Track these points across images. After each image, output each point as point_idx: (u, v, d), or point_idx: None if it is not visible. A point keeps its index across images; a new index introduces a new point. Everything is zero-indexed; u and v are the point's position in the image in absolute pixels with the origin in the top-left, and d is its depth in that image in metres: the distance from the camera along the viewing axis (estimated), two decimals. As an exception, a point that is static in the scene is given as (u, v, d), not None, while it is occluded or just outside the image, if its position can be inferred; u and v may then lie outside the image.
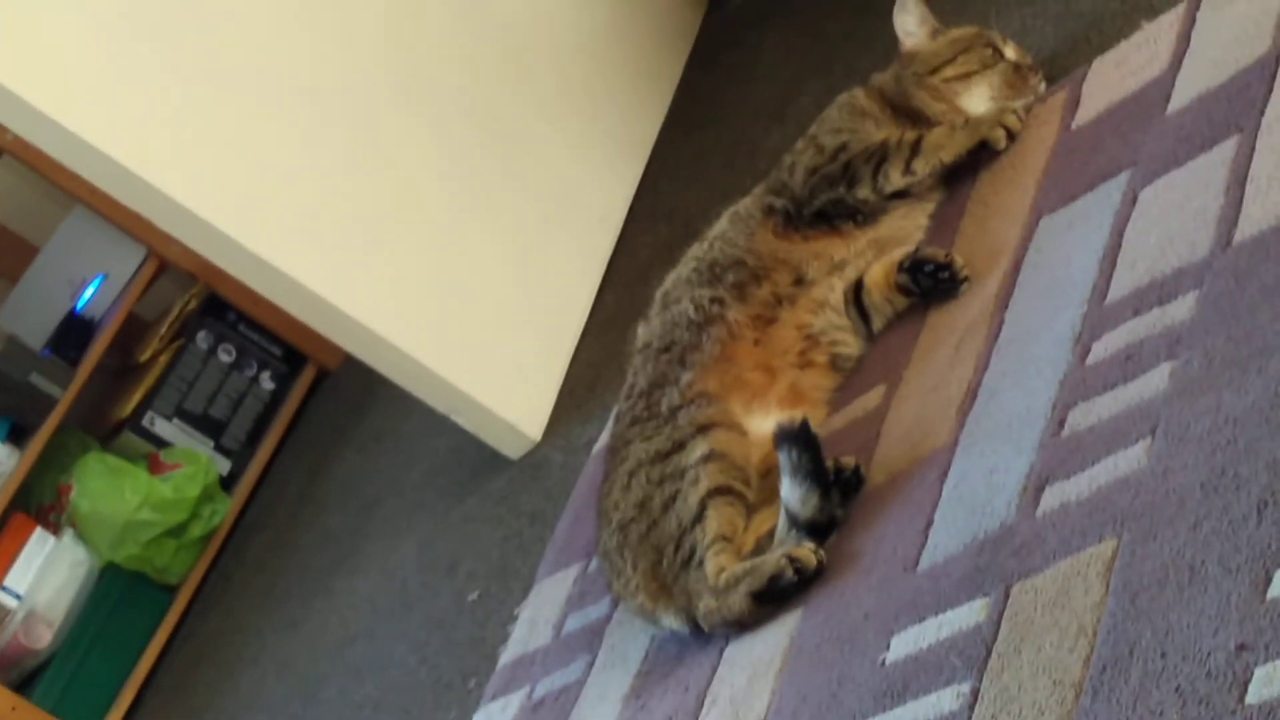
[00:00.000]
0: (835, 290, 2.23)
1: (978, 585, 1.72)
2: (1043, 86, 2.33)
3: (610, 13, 3.48)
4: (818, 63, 3.04)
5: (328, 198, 2.85)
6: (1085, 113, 2.20)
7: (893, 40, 2.42)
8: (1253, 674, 1.36)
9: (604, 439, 2.57)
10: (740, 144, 3.09)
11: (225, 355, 3.92)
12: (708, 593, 2.00)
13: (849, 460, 2.02)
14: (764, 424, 2.14)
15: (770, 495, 2.04)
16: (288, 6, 2.91)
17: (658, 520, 2.08)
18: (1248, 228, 1.76)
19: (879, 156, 2.27)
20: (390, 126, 2.98)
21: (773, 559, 1.95)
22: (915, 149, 2.27)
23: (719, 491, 2.05)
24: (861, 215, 2.27)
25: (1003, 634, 1.64)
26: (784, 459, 1.96)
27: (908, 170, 2.26)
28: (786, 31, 3.28)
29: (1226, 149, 1.88)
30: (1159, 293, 1.81)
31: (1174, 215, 1.89)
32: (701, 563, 2.01)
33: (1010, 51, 2.34)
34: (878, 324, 2.24)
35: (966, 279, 2.14)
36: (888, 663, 1.76)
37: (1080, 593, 1.59)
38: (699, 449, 2.09)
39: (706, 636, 2.05)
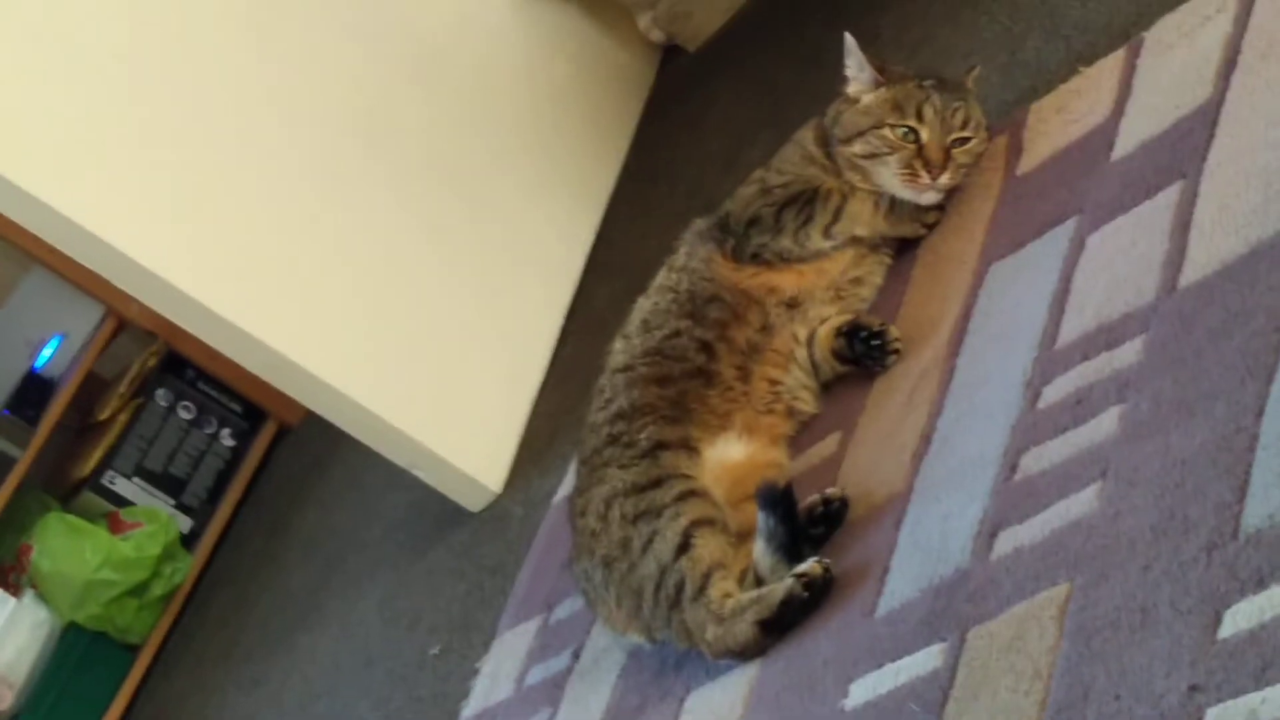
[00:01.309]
0: (800, 339, 2.25)
1: (934, 630, 1.73)
2: (946, 180, 2.23)
3: (567, 66, 3.51)
4: (768, 114, 3.07)
5: (284, 254, 2.85)
6: (1030, 159, 2.23)
7: (840, 92, 2.44)
8: (1205, 715, 1.38)
9: (565, 490, 2.58)
10: (695, 195, 3.11)
11: (185, 413, 3.91)
12: (711, 621, 1.98)
13: (835, 492, 2.03)
14: (728, 450, 2.17)
15: (741, 531, 2.06)
16: (241, 63, 2.92)
17: (636, 563, 2.08)
18: (1192, 272, 1.79)
19: (807, 213, 2.27)
20: (347, 181, 2.99)
21: (781, 586, 1.94)
22: (837, 215, 2.27)
23: (701, 523, 2.05)
24: (789, 260, 2.28)
25: (959, 679, 1.65)
26: (762, 521, 1.99)
27: (827, 234, 2.27)
28: (738, 84, 3.31)
29: (1170, 194, 1.91)
30: (1107, 337, 1.84)
31: (1121, 260, 1.91)
32: (701, 591, 1.99)
33: (927, 133, 2.22)
34: (822, 377, 2.26)
35: (897, 351, 2.17)
36: (847, 709, 1.76)
37: (1035, 636, 1.60)
38: (676, 488, 2.09)
39: (666, 664, 2.08)
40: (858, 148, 2.28)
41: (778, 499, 1.98)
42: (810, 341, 2.25)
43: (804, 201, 2.28)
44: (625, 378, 2.26)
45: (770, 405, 2.23)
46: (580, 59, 3.52)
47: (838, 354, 2.22)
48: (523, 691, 2.41)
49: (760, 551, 1.99)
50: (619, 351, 2.31)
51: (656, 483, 2.11)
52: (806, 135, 2.40)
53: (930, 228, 2.28)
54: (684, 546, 2.02)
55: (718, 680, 2.00)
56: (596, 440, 2.23)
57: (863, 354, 2.19)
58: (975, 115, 2.26)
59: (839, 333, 2.21)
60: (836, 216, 2.27)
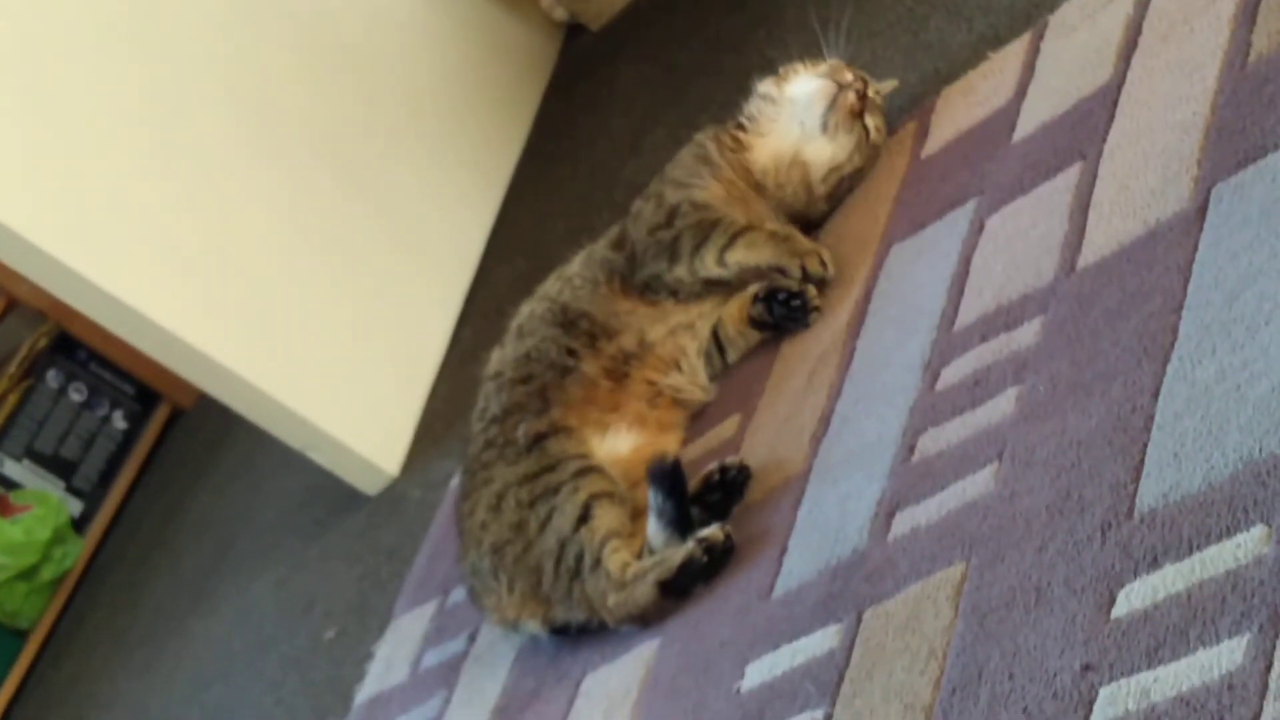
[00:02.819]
0: (688, 352, 2.24)
1: (831, 611, 1.72)
2: (851, 99, 2.24)
3: (468, 44, 3.48)
4: (672, 95, 3.05)
5: (177, 233, 2.80)
6: (934, 142, 2.23)
7: (743, 72, 2.43)
8: (1098, 694, 1.37)
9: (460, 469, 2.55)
10: (597, 176, 3.09)
11: (76, 394, 3.84)
12: (612, 589, 1.99)
13: (733, 460, 2.02)
14: (617, 443, 2.17)
15: (638, 510, 2.06)
16: (135, 41, 2.87)
17: (534, 541, 2.07)
18: (1091, 253, 1.79)
19: (703, 237, 2.23)
20: (241, 159, 2.94)
21: (682, 549, 1.95)
22: (733, 239, 2.22)
23: (600, 496, 2.06)
24: (680, 294, 2.25)
25: (855, 659, 1.64)
26: (652, 497, 1.99)
27: (721, 261, 2.22)
28: (641, 64, 3.29)
29: (1070, 176, 1.91)
30: (1006, 318, 1.83)
31: (1020, 242, 1.91)
32: (599, 562, 2.00)
33: (858, 85, 2.28)
34: (732, 357, 2.25)
35: (818, 308, 2.16)
36: (743, 691, 1.75)
37: (930, 616, 1.59)
38: (572, 466, 2.10)
39: (563, 647, 2.07)
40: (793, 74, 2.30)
41: (665, 474, 1.98)
42: (714, 334, 2.25)
43: (703, 229, 2.25)
44: (495, 384, 2.27)
45: (653, 400, 2.23)
46: (481, 37, 3.49)
47: (757, 321, 2.20)
48: (418, 675, 2.38)
49: (652, 528, 2.00)
50: (494, 360, 2.32)
51: (550, 468, 2.11)
52: (707, 138, 2.35)
53: (808, 277, 2.18)
54: (583, 519, 2.03)
55: (614, 663, 1.99)
56: (475, 447, 2.25)
57: (784, 317, 2.17)
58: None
59: (756, 299, 2.19)
60: (732, 242, 2.22)
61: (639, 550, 2.02)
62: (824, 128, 2.26)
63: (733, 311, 2.24)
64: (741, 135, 2.31)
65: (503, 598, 2.12)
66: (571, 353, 2.23)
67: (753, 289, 2.22)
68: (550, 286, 2.35)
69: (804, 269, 2.18)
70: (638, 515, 2.05)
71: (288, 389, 2.84)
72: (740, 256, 2.22)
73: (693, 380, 2.24)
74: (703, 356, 2.25)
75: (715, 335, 2.25)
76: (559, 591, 2.05)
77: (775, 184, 2.27)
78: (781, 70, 2.34)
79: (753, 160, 2.29)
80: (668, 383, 2.23)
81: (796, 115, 2.28)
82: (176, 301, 2.76)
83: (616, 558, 2.00)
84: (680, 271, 2.24)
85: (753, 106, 2.33)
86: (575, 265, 2.36)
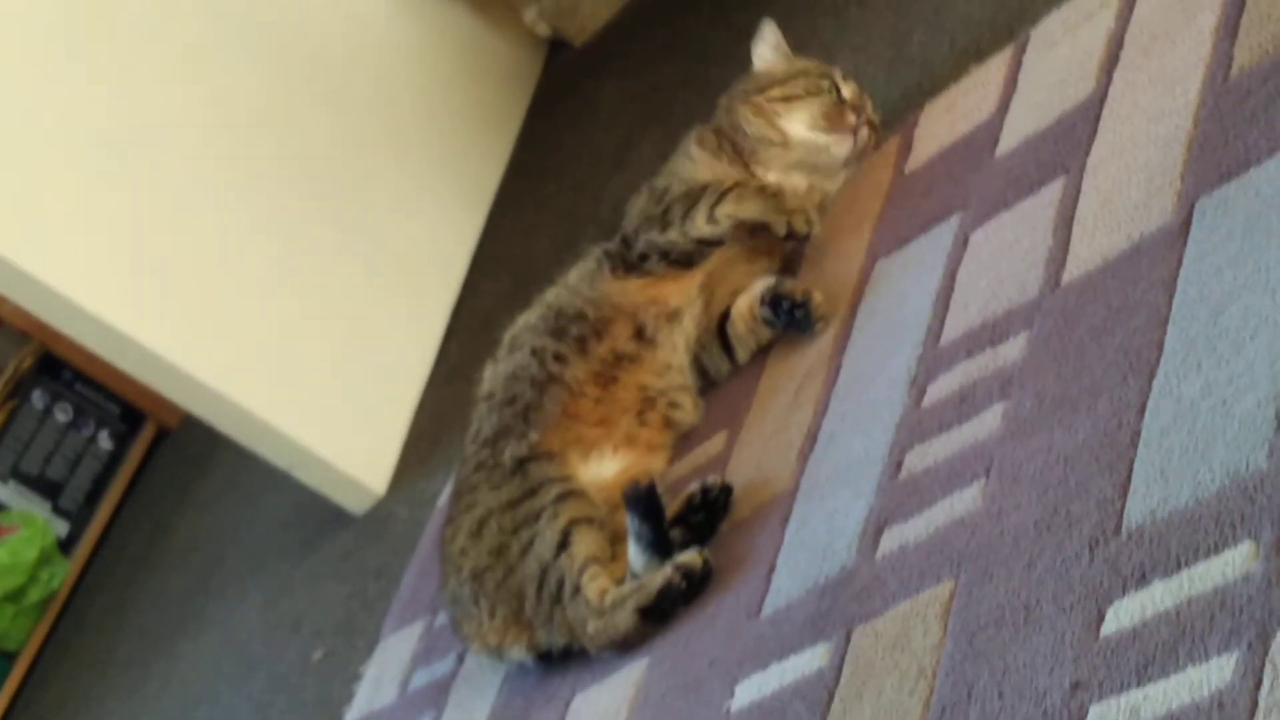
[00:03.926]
0: (679, 351, 2.23)
1: (819, 630, 1.72)
2: (865, 134, 2.29)
3: (451, 60, 3.48)
4: (656, 109, 3.05)
5: (159, 253, 2.80)
6: (917, 157, 2.23)
7: (727, 86, 2.43)
8: (1088, 712, 1.37)
9: (450, 490, 2.54)
10: (582, 191, 3.09)
11: (62, 415, 3.83)
12: (592, 616, 1.98)
13: (715, 480, 2.02)
14: (601, 468, 2.16)
15: (619, 534, 2.06)
16: (115, 60, 2.86)
17: (515, 566, 2.07)
18: (1075, 268, 1.79)
19: (692, 201, 2.26)
20: (223, 178, 2.93)
21: (660, 574, 1.95)
22: (723, 196, 2.24)
23: (579, 521, 2.05)
24: (674, 259, 2.25)
25: (844, 678, 1.64)
26: (630, 522, 1.99)
27: (711, 218, 2.24)
28: (625, 79, 3.29)
29: (1054, 190, 1.91)
30: (991, 334, 1.83)
31: (1004, 257, 1.91)
32: (578, 589, 2.00)
33: (848, 91, 2.31)
34: (742, 355, 2.24)
35: (823, 318, 2.13)
36: (732, 710, 1.75)
37: (919, 635, 1.59)
38: (553, 490, 2.09)
39: (552, 668, 2.06)
40: (776, 91, 2.32)
41: (640, 498, 1.98)
42: (722, 320, 2.23)
43: (691, 196, 2.27)
44: (487, 405, 2.27)
45: (643, 415, 2.22)
46: (464, 54, 3.49)
47: (766, 322, 2.19)
48: (407, 696, 2.38)
49: (633, 552, 2.00)
50: (486, 378, 2.32)
51: (531, 492, 2.10)
52: (695, 135, 2.38)
53: (793, 234, 2.23)
54: (563, 545, 2.03)
55: (603, 683, 1.98)
56: (466, 469, 2.24)
57: (788, 323, 2.16)
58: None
59: (762, 302, 2.18)
60: (721, 198, 2.24)
61: (622, 575, 2.01)
62: (845, 167, 2.32)
63: (743, 309, 2.22)
64: (741, 155, 2.33)
65: (484, 624, 2.11)
66: (559, 357, 2.22)
67: (758, 288, 2.20)
68: (549, 293, 2.35)
69: (790, 226, 2.21)
70: (622, 539, 2.04)
71: (272, 408, 2.84)
72: (730, 209, 2.23)
73: (685, 384, 2.22)
74: (691, 354, 2.24)
75: (724, 334, 2.23)
76: (541, 617, 2.04)
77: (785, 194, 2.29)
78: (762, 104, 2.32)
79: (759, 174, 2.31)
80: (661, 386, 2.21)
81: (813, 159, 2.31)
82: (159, 321, 2.76)
83: (595, 585, 2.00)
84: (673, 234, 2.25)
85: (751, 130, 2.32)
86: (575, 269, 2.36)
